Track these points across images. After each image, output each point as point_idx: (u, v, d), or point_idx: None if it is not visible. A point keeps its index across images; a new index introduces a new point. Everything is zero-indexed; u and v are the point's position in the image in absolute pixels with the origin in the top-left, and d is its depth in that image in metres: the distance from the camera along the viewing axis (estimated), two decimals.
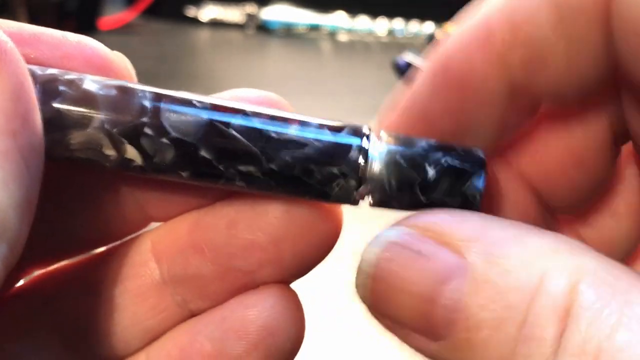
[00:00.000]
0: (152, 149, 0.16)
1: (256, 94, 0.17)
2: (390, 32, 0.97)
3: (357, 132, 0.16)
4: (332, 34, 0.97)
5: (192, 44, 0.95)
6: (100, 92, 0.15)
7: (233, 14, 0.99)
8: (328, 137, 0.16)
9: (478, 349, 0.13)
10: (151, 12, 0.97)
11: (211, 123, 0.16)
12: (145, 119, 0.15)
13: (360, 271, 0.15)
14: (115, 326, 0.19)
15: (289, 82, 0.76)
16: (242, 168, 0.16)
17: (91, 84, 0.15)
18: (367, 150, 0.16)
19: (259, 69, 0.83)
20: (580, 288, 0.12)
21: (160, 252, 0.19)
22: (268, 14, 0.98)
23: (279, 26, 0.97)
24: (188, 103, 0.16)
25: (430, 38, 0.68)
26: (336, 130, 0.16)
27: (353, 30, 0.97)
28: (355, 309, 0.33)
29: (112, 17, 0.94)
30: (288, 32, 0.97)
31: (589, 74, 0.16)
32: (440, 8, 0.98)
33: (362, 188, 0.16)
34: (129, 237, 0.19)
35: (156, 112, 0.15)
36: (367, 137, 0.16)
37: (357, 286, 0.15)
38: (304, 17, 0.97)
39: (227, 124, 0.16)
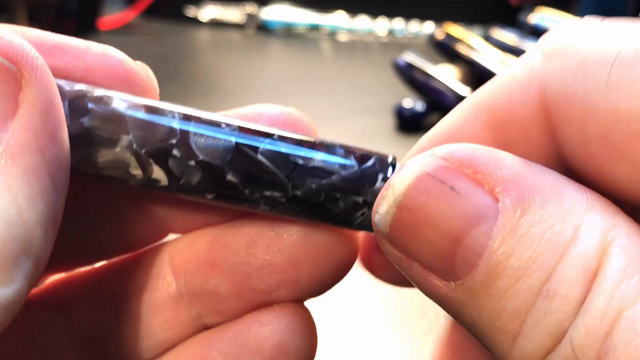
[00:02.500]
0: (179, 170, 0.15)
1: (279, 111, 0.17)
2: (390, 32, 0.97)
3: (383, 162, 0.16)
4: (332, 34, 0.97)
5: (192, 44, 0.94)
6: (129, 112, 0.15)
7: (233, 14, 0.99)
8: (354, 165, 0.16)
9: (494, 296, 0.12)
10: (151, 12, 0.97)
11: (239, 147, 0.15)
12: (173, 141, 0.15)
13: (385, 197, 0.14)
14: (129, 337, 0.19)
15: (289, 82, 0.76)
16: (268, 193, 0.16)
17: (120, 102, 0.15)
18: None
19: (259, 69, 0.83)
20: (612, 250, 0.12)
21: (178, 265, 0.19)
22: (268, 14, 0.97)
23: (279, 26, 0.97)
24: (216, 125, 0.16)
25: (431, 38, 0.68)
26: (362, 158, 0.16)
27: (353, 30, 0.97)
28: (368, 327, 0.33)
29: (112, 17, 0.94)
30: (288, 32, 0.97)
31: None
32: (440, 8, 0.98)
33: None
34: (146, 248, 0.19)
35: (184, 134, 0.15)
36: (393, 166, 0.16)
37: (378, 213, 0.14)
38: (304, 17, 0.97)
39: (255, 149, 0.15)
